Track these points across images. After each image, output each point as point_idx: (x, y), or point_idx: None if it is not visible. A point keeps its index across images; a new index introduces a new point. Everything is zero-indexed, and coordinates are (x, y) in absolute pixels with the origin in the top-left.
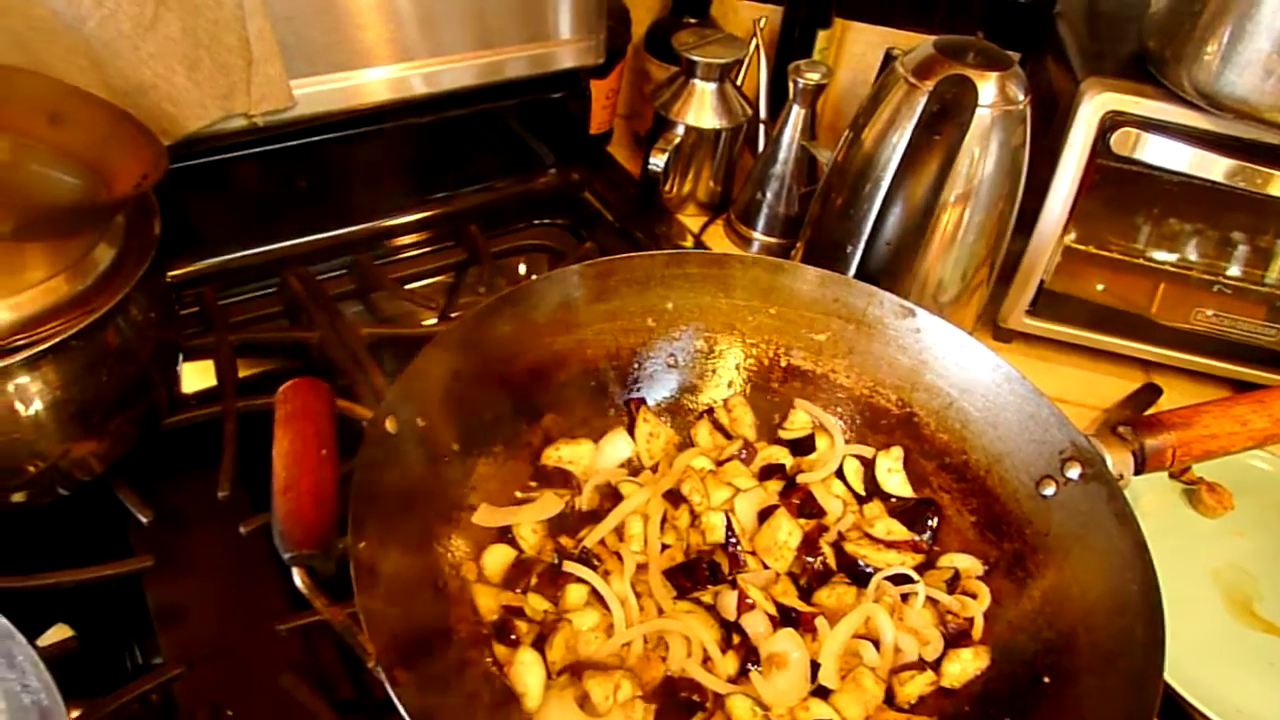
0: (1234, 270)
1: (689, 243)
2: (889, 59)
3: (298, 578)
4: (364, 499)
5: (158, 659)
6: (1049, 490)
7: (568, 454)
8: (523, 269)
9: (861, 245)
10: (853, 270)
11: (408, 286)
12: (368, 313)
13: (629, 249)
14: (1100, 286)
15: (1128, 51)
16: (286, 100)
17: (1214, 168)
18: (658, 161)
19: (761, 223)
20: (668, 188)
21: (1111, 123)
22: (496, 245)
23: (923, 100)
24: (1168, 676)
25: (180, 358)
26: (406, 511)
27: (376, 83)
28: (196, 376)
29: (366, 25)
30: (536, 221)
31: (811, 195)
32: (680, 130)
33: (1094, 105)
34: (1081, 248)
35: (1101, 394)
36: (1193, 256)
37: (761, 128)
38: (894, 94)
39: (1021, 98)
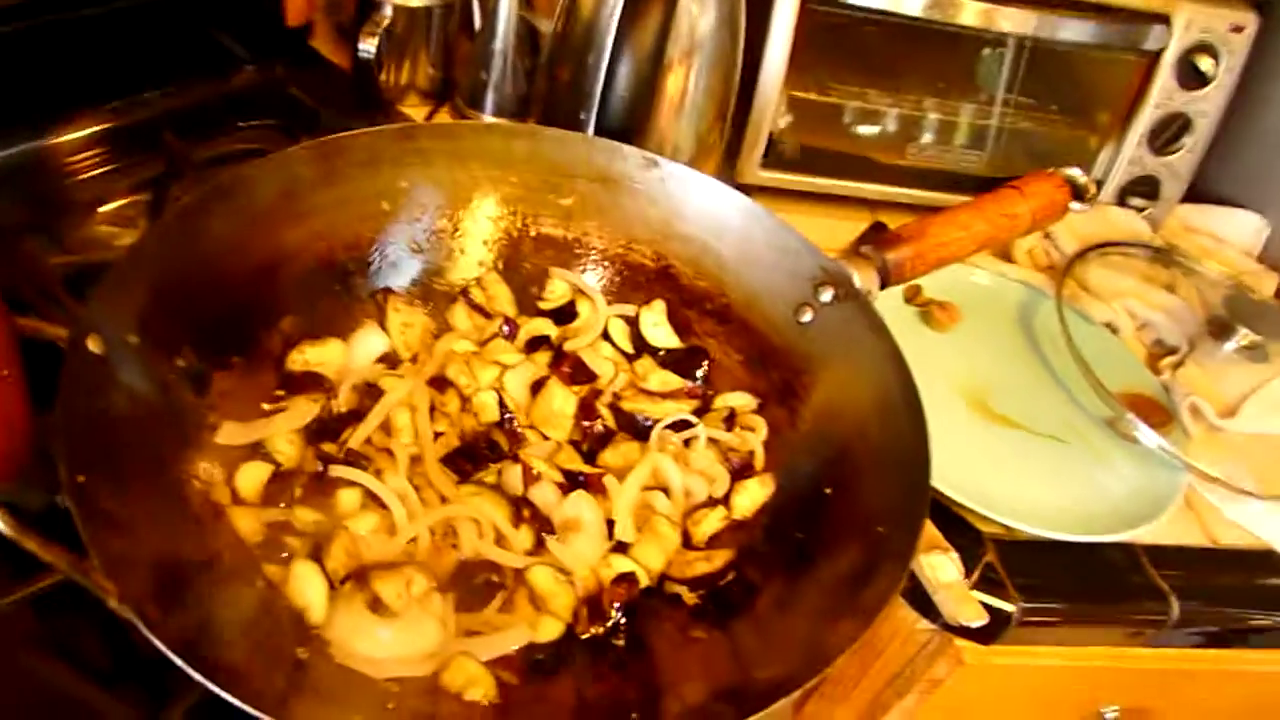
0: (939, 103)
1: None
2: None
3: None
4: (75, 428)
5: None
6: (807, 316)
7: (314, 356)
8: None
9: (594, 109)
10: (590, 133)
11: (100, 210)
12: (54, 245)
13: None
14: (824, 132)
15: None
16: None
17: (910, 3)
18: (368, 47)
19: (489, 104)
20: (383, 76)
21: None
22: (200, 154)
23: None
24: None
25: None
26: (133, 439)
27: None
28: None
29: None
30: (242, 124)
31: (535, 69)
32: (388, 11)
33: None
34: (803, 95)
35: (836, 237)
36: (904, 94)
37: (476, 3)
38: None
39: None
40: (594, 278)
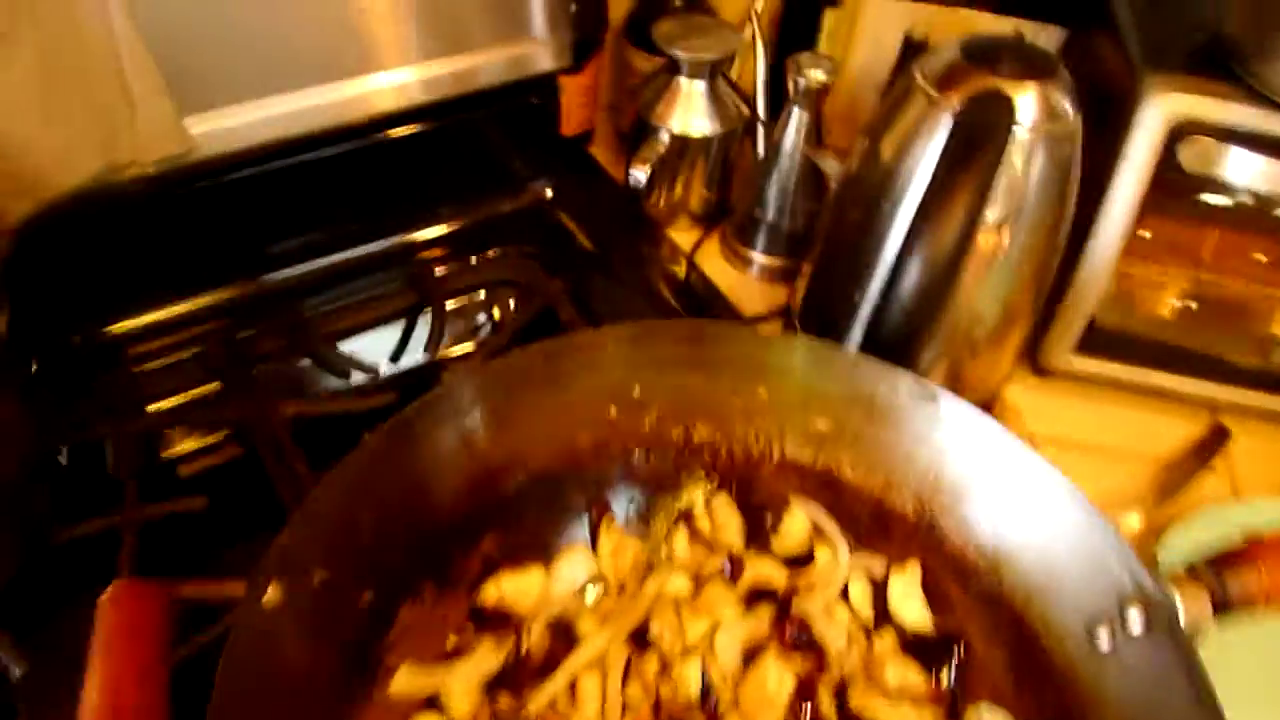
0: None
1: (680, 267)
2: (909, 46)
3: None
4: (231, 705)
5: None
6: (1104, 640)
7: (511, 588)
8: (480, 317)
9: (872, 295)
10: (860, 328)
11: (347, 343)
12: (315, 370)
13: (606, 284)
14: (1161, 320)
15: (1198, 37)
16: (181, 143)
17: None
18: (639, 175)
19: (761, 240)
20: (654, 199)
21: (1180, 131)
22: (454, 281)
23: (945, 119)
24: None
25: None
26: (298, 703)
27: (295, 111)
28: None
29: (278, 46)
30: (501, 249)
31: (818, 213)
32: (665, 137)
33: (1158, 110)
34: (1139, 275)
35: (1160, 439)
36: (1274, 285)
37: (761, 128)
38: (911, 107)
39: (1069, 111)
40: (840, 519)
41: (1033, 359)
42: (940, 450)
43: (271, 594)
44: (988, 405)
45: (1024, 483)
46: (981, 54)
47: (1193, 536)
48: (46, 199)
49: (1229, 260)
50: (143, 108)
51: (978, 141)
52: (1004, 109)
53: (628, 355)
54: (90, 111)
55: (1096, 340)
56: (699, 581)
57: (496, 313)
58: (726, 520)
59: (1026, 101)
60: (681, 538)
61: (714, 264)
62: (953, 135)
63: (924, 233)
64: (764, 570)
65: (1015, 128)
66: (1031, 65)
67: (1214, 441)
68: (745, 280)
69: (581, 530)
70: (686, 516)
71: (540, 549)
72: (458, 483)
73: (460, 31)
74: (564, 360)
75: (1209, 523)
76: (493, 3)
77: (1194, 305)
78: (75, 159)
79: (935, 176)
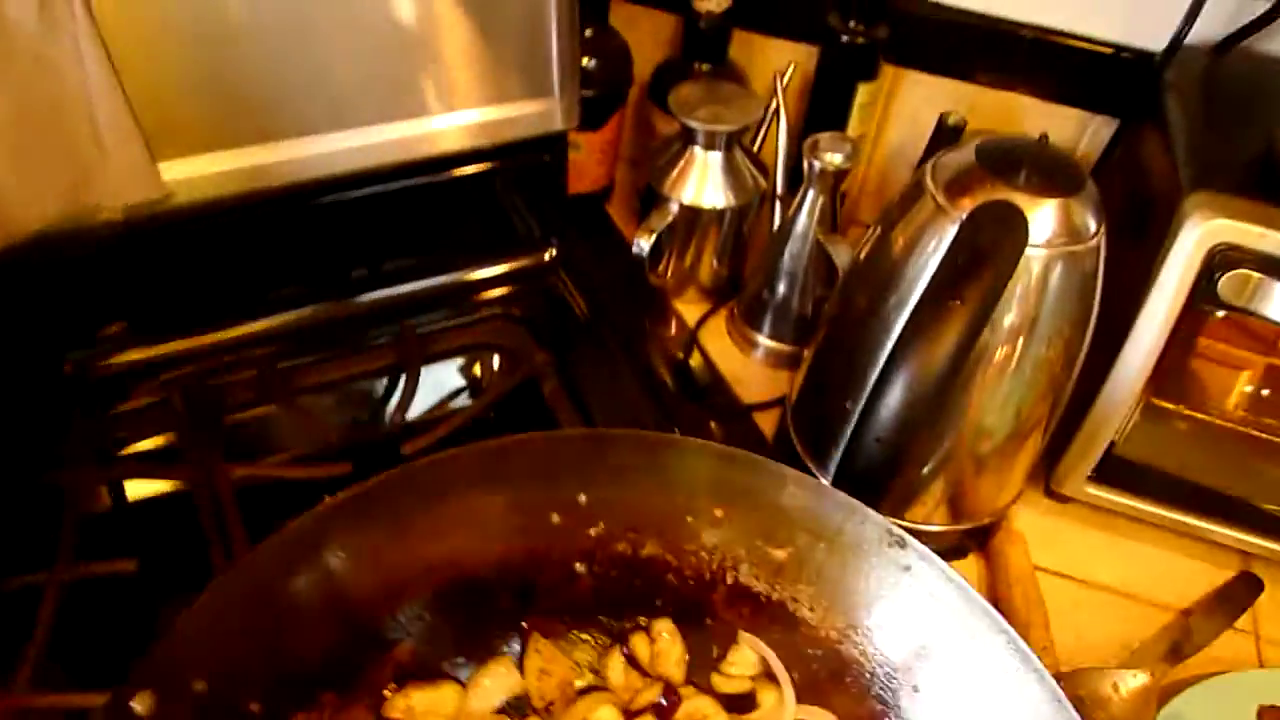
0: None
1: (682, 342)
2: (940, 130)
3: None
4: None
5: None
6: None
7: (422, 703)
8: (459, 380)
9: (863, 402)
10: (847, 437)
11: (321, 398)
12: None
13: (596, 357)
14: (1188, 456)
15: (1254, 152)
16: (153, 190)
17: None
18: (643, 244)
19: (768, 323)
20: (663, 269)
21: (1222, 259)
22: (436, 343)
23: (951, 228)
24: None
25: None
26: None
27: (277, 163)
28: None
29: (261, 96)
30: (492, 312)
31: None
32: (674, 208)
33: (1199, 234)
34: (1166, 406)
35: (1180, 585)
36: None
37: (778, 204)
38: (921, 207)
39: (1093, 228)
40: (791, 661)
41: (1047, 482)
42: (907, 601)
43: (141, 705)
44: (992, 528)
45: (995, 663)
46: (999, 159)
47: (1202, 708)
48: (15, 238)
49: (1268, 398)
50: (115, 153)
51: (984, 256)
52: (1017, 224)
53: (580, 465)
54: (61, 154)
55: (1116, 469)
56: (629, 715)
57: (481, 375)
58: (668, 647)
59: (1044, 216)
60: (617, 662)
61: (719, 343)
62: (956, 246)
63: (912, 346)
64: (701, 709)
65: (1029, 248)
66: (1053, 176)
67: (1242, 593)
68: (748, 364)
69: (511, 644)
70: (626, 638)
71: (461, 661)
72: (379, 580)
73: (458, 85)
74: (508, 461)
75: (1222, 694)
76: (493, 58)
77: (1227, 444)
78: (44, 201)
79: (932, 287)
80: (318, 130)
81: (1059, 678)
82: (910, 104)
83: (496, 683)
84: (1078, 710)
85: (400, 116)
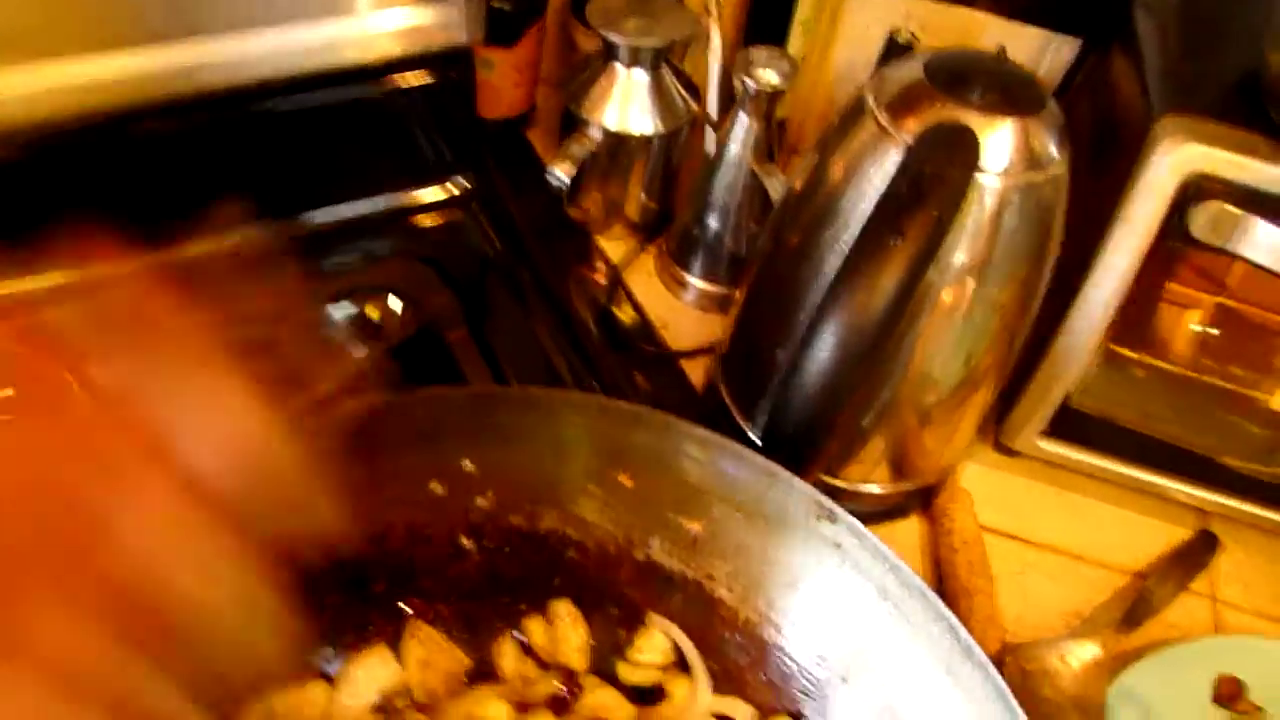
0: None
1: (602, 279)
2: (891, 46)
3: None
4: None
5: None
6: None
7: (282, 705)
8: (352, 329)
9: (793, 352)
10: (777, 388)
11: None
12: None
13: (510, 301)
14: (1147, 407)
15: (1235, 72)
16: None
17: None
18: (561, 175)
19: (700, 263)
20: (585, 203)
21: (1196, 190)
22: (334, 283)
23: (894, 153)
24: None
25: None
26: None
27: (117, 81)
28: None
29: None
30: (394, 250)
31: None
32: (597, 134)
33: (1171, 161)
34: (1126, 354)
35: (1135, 545)
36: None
37: (710, 131)
38: (861, 129)
39: (1054, 154)
40: (706, 647)
41: (996, 436)
42: (836, 581)
43: None
44: (936, 487)
45: (925, 646)
46: (950, 75)
47: (1157, 680)
48: None
49: (1237, 348)
50: None
51: (929, 185)
52: (968, 148)
53: (460, 425)
54: None
55: (1070, 423)
56: (522, 708)
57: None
58: (568, 632)
59: (999, 141)
60: (510, 649)
61: (648, 284)
62: (900, 174)
63: (848, 289)
64: (604, 702)
65: (980, 175)
66: (1010, 94)
67: (1199, 552)
68: (678, 307)
69: (387, 632)
70: (519, 623)
71: (330, 654)
72: None
73: None
74: (383, 425)
75: (1177, 665)
76: None
77: (1191, 396)
78: None
79: (871, 222)
80: (169, 37)
81: (1005, 650)
82: (860, 21)
83: (370, 674)
84: (1024, 688)
85: (273, 22)
